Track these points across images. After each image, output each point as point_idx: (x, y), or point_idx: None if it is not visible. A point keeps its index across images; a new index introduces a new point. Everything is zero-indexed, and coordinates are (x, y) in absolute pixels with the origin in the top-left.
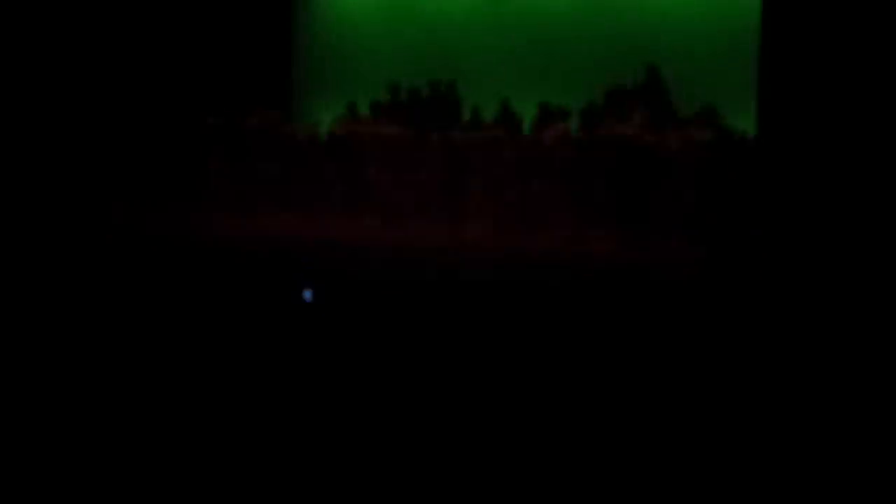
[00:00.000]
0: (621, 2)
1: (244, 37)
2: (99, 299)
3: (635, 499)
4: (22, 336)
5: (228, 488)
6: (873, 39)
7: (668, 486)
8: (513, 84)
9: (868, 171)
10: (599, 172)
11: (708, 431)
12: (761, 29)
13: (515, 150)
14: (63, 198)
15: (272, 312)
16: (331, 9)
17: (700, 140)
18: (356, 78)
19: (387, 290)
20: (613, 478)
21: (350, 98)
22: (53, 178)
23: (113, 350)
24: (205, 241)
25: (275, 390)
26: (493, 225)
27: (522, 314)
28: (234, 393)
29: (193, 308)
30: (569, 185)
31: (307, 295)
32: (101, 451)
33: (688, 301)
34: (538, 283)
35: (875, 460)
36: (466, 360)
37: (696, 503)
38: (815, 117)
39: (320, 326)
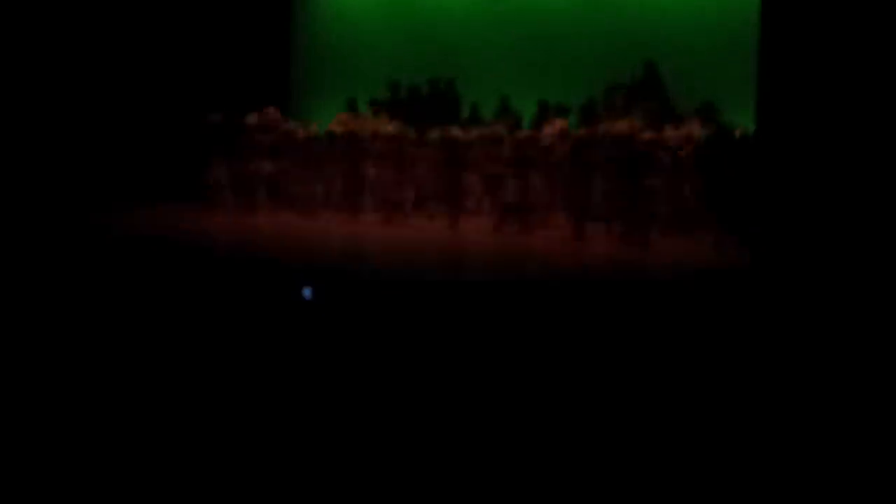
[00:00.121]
0: None
1: (244, 35)
2: (98, 299)
3: (635, 499)
4: (22, 336)
5: (228, 488)
6: (872, 35)
7: (668, 486)
8: (512, 81)
9: (867, 165)
10: (598, 168)
11: (708, 431)
12: (760, 25)
13: (514, 147)
14: (62, 197)
15: (272, 310)
16: (330, 7)
17: (699, 136)
18: (355, 75)
19: (385, 287)
20: (614, 478)
21: (349, 95)
22: (53, 177)
23: (113, 350)
24: (204, 239)
25: (275, 389)
26: (491, 221)
27: (522, 313)
28: (234, 393)
29: (192, 307)
30: (568, 180)
31: (307, 293)
32: (101, 451)
33: (687, 300)
34: (537, 281)
35: (877, 460)
36: (466, 359)
37: None
38: (814, 113)
39: (320, 325)
